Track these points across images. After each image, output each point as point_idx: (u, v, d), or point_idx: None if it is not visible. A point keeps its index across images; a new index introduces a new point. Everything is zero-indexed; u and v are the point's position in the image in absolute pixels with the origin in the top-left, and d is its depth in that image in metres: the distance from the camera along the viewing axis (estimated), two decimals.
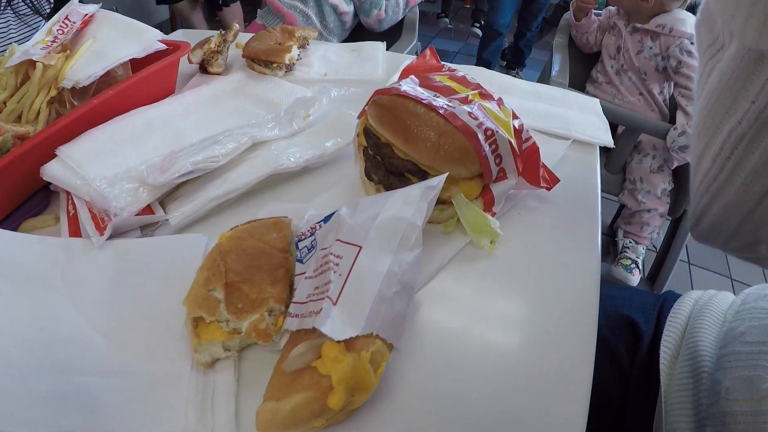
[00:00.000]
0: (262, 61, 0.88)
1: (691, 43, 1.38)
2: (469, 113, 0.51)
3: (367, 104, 0.57)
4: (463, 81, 0.60)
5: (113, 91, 0.72)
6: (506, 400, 0.42)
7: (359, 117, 0.59)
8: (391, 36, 1.50)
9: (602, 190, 1.57)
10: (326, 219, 0.47)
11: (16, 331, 0.47)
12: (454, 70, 0.64)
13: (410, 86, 0.56)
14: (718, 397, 0.52)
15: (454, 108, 0.52)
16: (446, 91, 0.56)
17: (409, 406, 0.41)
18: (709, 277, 1.93)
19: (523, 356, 0.46)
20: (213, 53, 0.90)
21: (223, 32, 0.92)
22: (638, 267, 1.57)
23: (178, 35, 1.07)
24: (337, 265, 0.40)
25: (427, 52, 0.70)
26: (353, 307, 0.36)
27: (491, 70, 0.91)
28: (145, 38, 0.80)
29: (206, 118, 0.75)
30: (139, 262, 0.55)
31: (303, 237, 0.46)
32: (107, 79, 0.78)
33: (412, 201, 0.42)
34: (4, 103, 0.75)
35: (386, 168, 0.54)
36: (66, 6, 0.84)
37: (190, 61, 0.90)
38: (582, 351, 0.47)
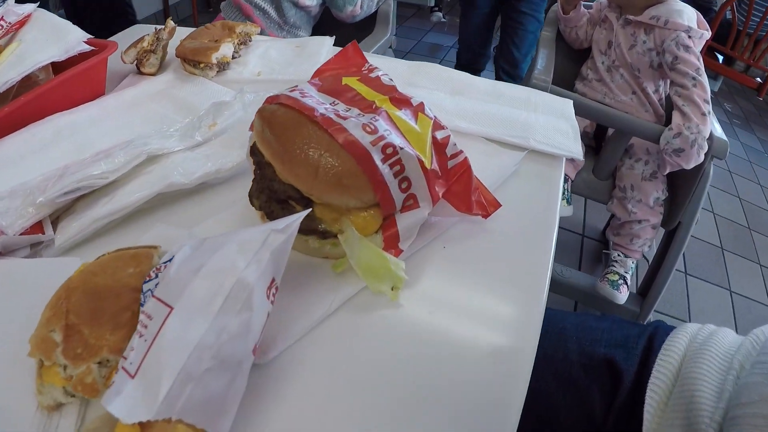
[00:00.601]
0: (191, 60, 0.80)
1: (689, 37, 1.27)
2: (364, 125, 0.43)
3: (258, 111, 0.48)
4: (376, 83, 0.51)
5: (30, 96, 0.68)
6: None
7: (250, 129, 0.50)
8: (364, 29, 1.40)
9: (590, 198, 1.48)
10: (170, 259, 0.38)
11: None
12: (373, 69, 0.55)
13: (302, 91, 0.47)
14: None
15: (344, 120, 0.43)
16: (349, 98, 0.47)
17: None
18: (706, 289, 1.77)
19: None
20: (146, 52, 0.83)
21: (157, 29, 0.85)
22: (626, 283, 1.44)
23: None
24: (145, 327, 0.31)
25: (350, 47, 0.61)
26: (151, 382, 0.28)
27: (447, 68, 0.81)
28: (68, 39, 0.75)
29: (119, 125, 0.68)
30: (15, 284, 0.50)
31: (149, 279, 0.38)
32: (29, 83, 0.73)
33: (250, 249, 0.33)
34: None
35: (269, 192, 0.45)
36: (2, 6, 0.79)
37: (123, 62, 0.83)
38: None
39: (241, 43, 0.86)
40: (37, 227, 0.54)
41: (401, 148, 0.43)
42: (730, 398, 0.47)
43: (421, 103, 0.50)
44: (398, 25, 3.11)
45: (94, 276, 0.41)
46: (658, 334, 0.59)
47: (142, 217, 0.55)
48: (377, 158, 0.42)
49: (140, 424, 0.29)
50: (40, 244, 0.54)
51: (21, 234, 0.52)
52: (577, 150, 0.67)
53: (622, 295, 1.40)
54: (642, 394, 0.52)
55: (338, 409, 0.38)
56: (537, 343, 0.43)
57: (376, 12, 1.41)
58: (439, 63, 0.84)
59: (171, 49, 0.85)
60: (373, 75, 0.53)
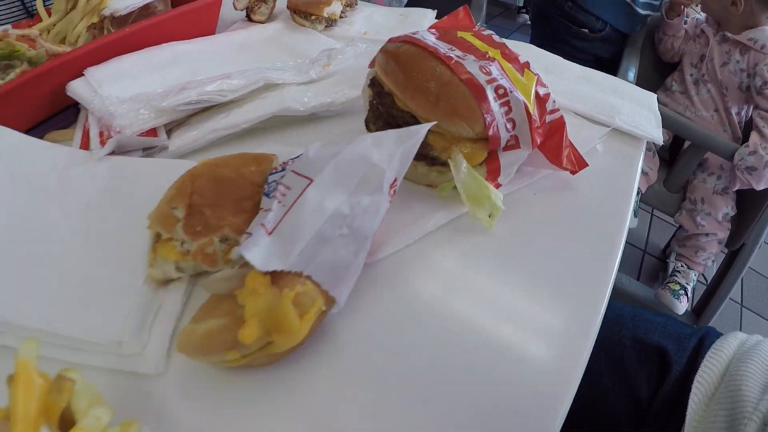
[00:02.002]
0: (302, 12, 0.85)
1: None
2: (481, 67, 0.46)
3: (379, 51, 0.53)
4: (488, 40, 0.54)
5: (147, 23, 0.73)
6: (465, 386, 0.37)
7: (370, 66, 0.54)
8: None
9: (658, 209, 1.47)
10: (296, 157, 0.43)
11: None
12: (483, 29, 0.58)
13: (424, 35, 0.51)
14: None
15: (464, 60, 0.47)
16: (464, 46, 0.51)
17: (351, 369, 0.37)
18: (760, 325, 1.74)
19: (494, 351, 0.40)
20: (257, 1, 0.88)
21: None
22: (687, 295, 1.43)
23: None
24: (283, 195, 0.36)
25: (461, 10, 0.64)
26: (287, 240, 0.32)
27: (542, 49, 0.84)
28: None
29: (231, 59, 0.73)
30: (130, 178, 0.55)
31: (275, 171, 0.42)
32: (147, 12, 0.80)
33: (385, 144, 0.37)
34: (53, 25, 0.80)
35: (385, 119, 0.50)
36: None
37: (235, 7, 0.88)
38: (566, 374, 0.40)
39: (347, 5, 0.91)
40: (152, 132, 0.59)
41: (511, 92, 0.47)
42: None
43: (527, 62, 0.53)
44: (485, 22, 3.16)
45: (218, 167, 0.46)
46: (709, 335, 0.61)
47: (256, 136, 0.60)
48: (491, 95, 0.45)
49: (271, 275, 0.33)
50: (153, 148, 0.60)
51: (142, 134, 0.58)
52: (658, 136, 0.68)
53: (682, 306, 1.40)
54: (689, 385, 0.54)
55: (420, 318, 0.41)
56: (593, 341, 0.44)
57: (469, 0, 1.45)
58: None
59: (280, 2, 0.90)
60: (485, 33, 0.56)
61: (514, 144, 0.49)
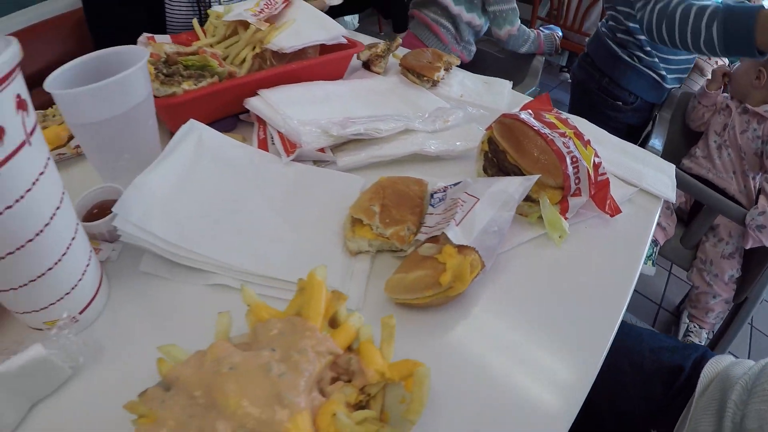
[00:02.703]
0: (416, 72, 1.16)
1: None
2: (564, 143, 0.76)
3: (494, 122, 0.83)
4: (565, 122, 0.85)
5: (305, 63, 1.05)
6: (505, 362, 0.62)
7: (486, 129, 0.85)
8: (517, 78, 1.76)
9: (674, 263, 1.77)
10: (455, 184, 0.73)
11: (217, 197, 0.77)
12: (560, 113, 0.89)
13: (527, 116, 0.81)
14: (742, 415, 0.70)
15: (554, 137, 0.77)
16: (551, 126, 0.81)
17: (486, 306, 0.66)
18: None
19: (536, 332, 0.66)
20: (377, 56, 1.19)
21: (387, 42, 1.21)
22: None
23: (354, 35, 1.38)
24: (463, 204, 0.66)
25: (544, 96, 0.95)
26: (468, 229, 0.63)
27: (592, 124, 1.14)
28: (333, 31, 1.11)
29: (369, 102, 1.04)
30: (311, 181, 0.85)
31: (438, 191, 0.73)
32: (299, 52, 1.08)
33: (514, 183, 0.68)
34: (211, 45, 1.07)
35: (498, 167, 0.80)
36: None
37: (358, 58, 1.19)
38: (588, 359, 0.63)
39: (446, 69, 1.21)
40: (321, 150, 0.88)
41: (579, 160, 0.77)
42: (754, 385, 0.74)
43: (589, 139, 0.84)
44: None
45: (396, 183, 0.76)
46: (709, 352, 0.89)
47: (397, 165, 0.90)
48: (568, 161, 0.75)
49: (458, 247, 0.62)
50: (323, 162, 0.89)
51: (318, 149, 0.87)
52: (672, 197, 0.97)
53: None
54: (694, 382, 0.82)
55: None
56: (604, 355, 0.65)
57: (529, 66, 1.77)
58: None
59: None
60: (563, 116, 0.87)
61: (578, 193, 0.79)
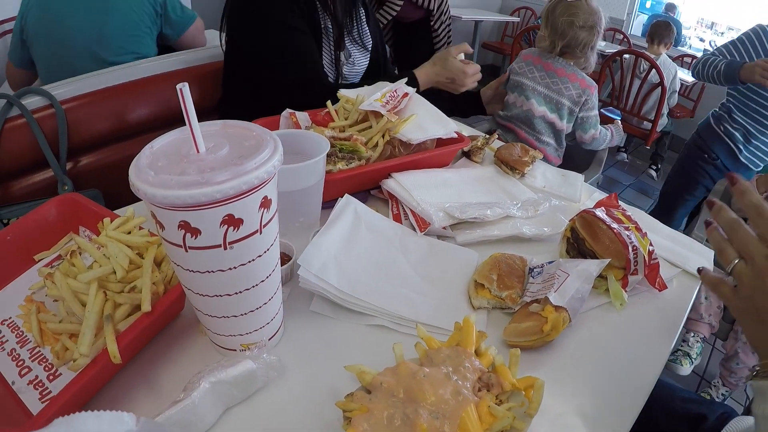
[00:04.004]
0: (509, 165, 1.49)
1: None
2: (627, 236, 1.08)
3: (577, 214, 1.16)
4: (629, 218, 1.16)
5: (429, 153, 1.38)
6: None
7: (569, 220, 1.17)
8: (582, 166, 2.09)
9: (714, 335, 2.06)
10: (549, 262, 1.05)
11: (374, 257, 1.07)
12: (625, 210, 1.21)
13: (601, 212, 1.13)
14: None
15: (620, 230, 1.08)
16: (618, 221, 1.13)
17: (562, 356, 0.97)
18: None
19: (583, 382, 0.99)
20: (478, 149, 1.53)
21: (486, 137, 1.56)
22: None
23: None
24: (558, 277, 0.98)
25: (613, 195, 1.27)
26: (562, 295, 0.94)
27: (649, 215, 1.45)
28: (447, 126, 1.41)
29: (475, 189, 1.37)
30: (439, 251, 1.16)
31: (536, 267, 1.06)
32: (422, 144, 1.39)
33: (594, 265, 1.00)
34: (343, 129, 1.31)
35: (578, 250, 1.12)
36: (397, 82, 1.46)
37: (462, 150, 1.53)
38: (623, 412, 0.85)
39: (531, 162, 1.54)
40: (444, 227, 1.21)
41: (637, 248, 1.08)
42: None
43: (646, 232, 1.15)
44: None
45: (506, 258, 1.08)
46: (735, 413, 1.14)
47: (499, 244, 1.22)
48: (630, 249, 1.07)
49: (555, 307, 0.93)
50: (445, 237, 1.21)
51: (443, 227, 1.20)
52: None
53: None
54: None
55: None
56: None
57: (594, 155, 2.11)
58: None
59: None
60: (627, 212, 1.19)
61: (635, 273, 1.09)
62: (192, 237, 0.63)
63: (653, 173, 4.80)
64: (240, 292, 0.72)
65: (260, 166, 0.63)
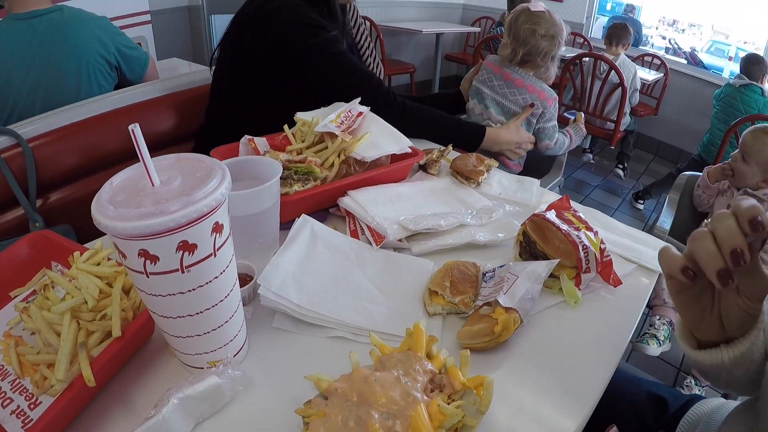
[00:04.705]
0: (464, 175, 1.53)
1: None
2: (577, 236, 1.12)
3: (528, 218, 1.20)
4: (579, 218, 1.21)
5: (383, 169, 1.43)
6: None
7: (521, 225, 1.21)
8: (543, 170, 2.14)
9: None
10: (501, 266, 1.09)
11: (331, 273, 1.10)
12: (576, 211, 1.25)
13: (551, 215, 1.17)
14: None
15: (569, 232, 1.12)
16: (569, 222, 1.17)
17: (515, 356, 1.00)
18: None
19: (546, 371, 1.03)
20: (433, 161, 1.57)
21: (441, 149, 1.60)
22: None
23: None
24: (508, 280, 1.01)
25: (564, 198, 1.32)
26: (512, 296, 0.98)
27: (604, 214, 1.50)
28: (401, 142, 1.48)
29: (429, 201, 1.41)
30: (395, 262, 1.20)
31: (488, 271, 1.09)
32: (376, 161, 1.44)
33: (543, 266, 1.04)
34: (300, 151, 1.37)
35: (530, 253, 1.16)
36: (352, 102, 1.51)
37: (419, 163, 1.57)
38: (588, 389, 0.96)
39: (486, 171, 1.59)
40: (400, 240, 1.25)
41: (588, 247, 1.12)
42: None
43: (597, 231, 1.19)
44: None
45: (458, 265, 1.12)
46: (700, 397, 1.18)
47: (454, 252, 1.26)
48: (580, 248, 1.11)
49: (505, 308, 0.96)
50: (400, 249, 1.25)
51: (398, 240, 1.24)
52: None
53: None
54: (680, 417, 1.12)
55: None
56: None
57: (554, 159, 2.16)
58: (583, 199, 1.53)
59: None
60: (578, 214, 1.23)
61: (588, 270, 1.13)
62: (152, 263, 0.68)
63: (620, 172, 4.91)
64: (201, 312, 0.77)
65: (209, 195, 0.69)
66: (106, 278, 0.92)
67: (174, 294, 0.73)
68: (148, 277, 0.70)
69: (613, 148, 4.82)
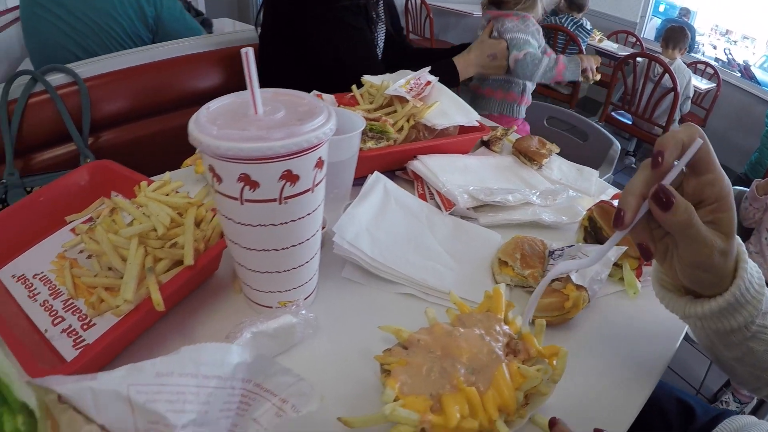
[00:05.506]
0: (527, 156, 1.57)
1: None
2: None
3: (595, 204, 1.24)
4: None
5: (452, 139, 1.48)
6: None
7: (587, 210, 1.25)
8: (593, 166, 2.17)
9: None
10: (570, 246, 1.13)
11: (403, 231, 1.14)
12: None
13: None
14: None
15: None
16: None
17: (579, 333, 1.05)
18: None
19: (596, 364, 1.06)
20: (497, 138, 1.61)
21: (505, 129, 1.63)
22: None
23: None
24: (578, 258, 1.05)
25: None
26: (583, 276, 1.02)
27: None
28: (470, 115, 1.51)
29: (496, 176, 1.45)
30: (464, 230, 1.25)
31: (556, 250, 1.13)
32: (444, 130, 1.49)
33: (613, 251, 1.08)
34: (368, 111, 1.42)
35: (595, 239, 1.20)
36: (420, 70, 1.52)
37: (482, 140, 1.61)
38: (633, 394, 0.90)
39: (548, 154, 1.62)
40: (468, 209, 1.29)
41: None
42: None
43: None
44: None
45: (527, 239, 1.16)
46: (729, 412, 1.16)
47: (519, 228, 1.30)
48: None
49: (577, 286, 1.01)
50: (468, 218, 1.29)
51: (467, 208, 1.28)
52: None
53: None
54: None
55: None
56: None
57: (606, 156, 2.19)
58: None
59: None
60: None
61: (650, 264, 1.17)
62: (250, 190, 0.69)
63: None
64: (287, 247, 0.79)
65: (317, 129, 0.69)
66: (177, 208, 0.94)
67: (265, 225, 0.74)
68: (242, 204, 0.71)
69: None
